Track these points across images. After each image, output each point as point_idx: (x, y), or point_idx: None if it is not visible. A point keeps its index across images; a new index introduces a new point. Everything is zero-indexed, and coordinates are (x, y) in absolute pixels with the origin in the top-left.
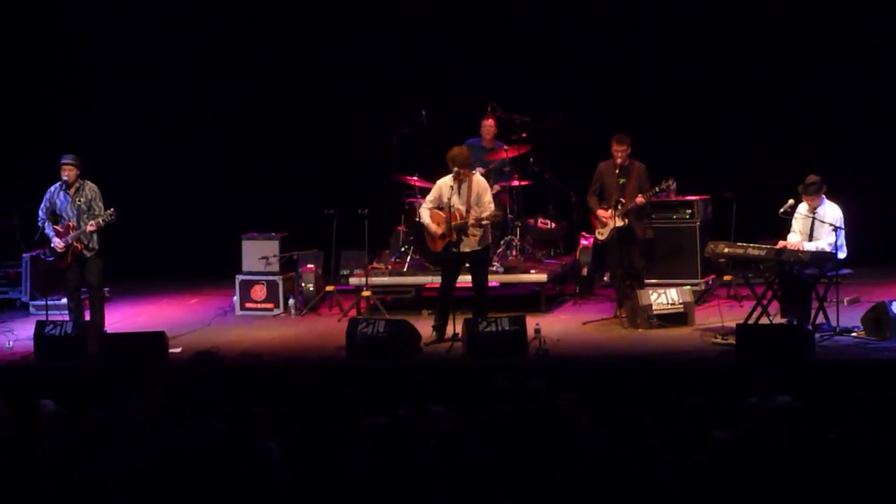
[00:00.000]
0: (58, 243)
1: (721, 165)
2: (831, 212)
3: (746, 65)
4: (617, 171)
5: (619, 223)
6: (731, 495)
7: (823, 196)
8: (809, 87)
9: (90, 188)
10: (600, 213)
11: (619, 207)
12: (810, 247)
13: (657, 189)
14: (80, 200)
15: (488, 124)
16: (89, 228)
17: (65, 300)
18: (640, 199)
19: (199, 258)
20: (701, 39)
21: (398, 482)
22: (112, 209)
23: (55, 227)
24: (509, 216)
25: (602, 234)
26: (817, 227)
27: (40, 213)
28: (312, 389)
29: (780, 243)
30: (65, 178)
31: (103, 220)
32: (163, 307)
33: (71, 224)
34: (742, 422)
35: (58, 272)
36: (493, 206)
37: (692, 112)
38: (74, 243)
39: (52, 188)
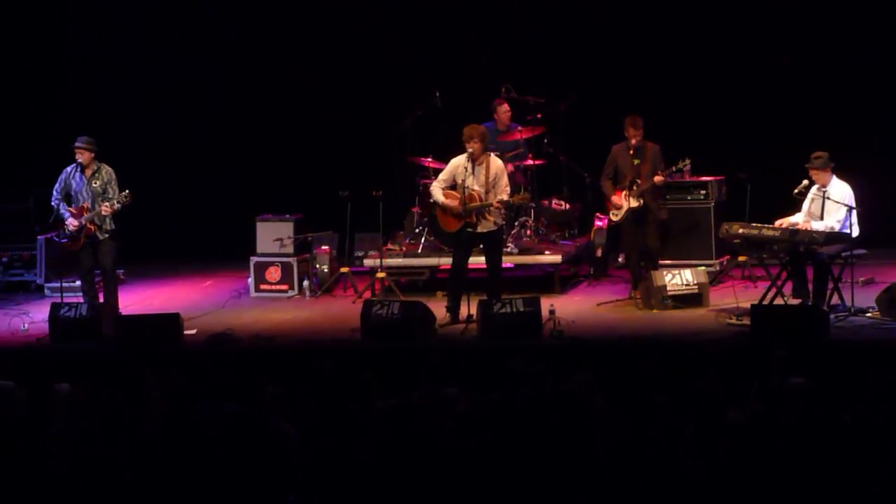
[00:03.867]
0: (72, 222)
1: (736, 146)
2: (841, 190)
3: (761, 44)
4: (631, 151)
5: (634, 204)
6: (749, 477)
7: (833, 175)
8: (826, 66)
9: (106, 171)
10: (614, 199)
11: (635, 188)
12: (819, 226)
13: (673, 169)
14: (96, 183)
15: (503, 109)
16: (104, 211)
17: (79, 282)
18: (658, 178)
19: (213, 240)
20: (715, 20)
21: (413, 465)
22: (128, 191)
23: (69, 208)
24: None
25: (616, 214)
26: (827, 205)
27: (54, 192)
28: (329, 371)
29: (778, 222)
30: (79, 160)
31: (118, 203)
32: (177, 289)
33: (85, 206)
34: (756, 403)
35: (72, 254)
36: (509, 188)
37: (706, 92)
38: (88, 224)
39: (68, 169)
